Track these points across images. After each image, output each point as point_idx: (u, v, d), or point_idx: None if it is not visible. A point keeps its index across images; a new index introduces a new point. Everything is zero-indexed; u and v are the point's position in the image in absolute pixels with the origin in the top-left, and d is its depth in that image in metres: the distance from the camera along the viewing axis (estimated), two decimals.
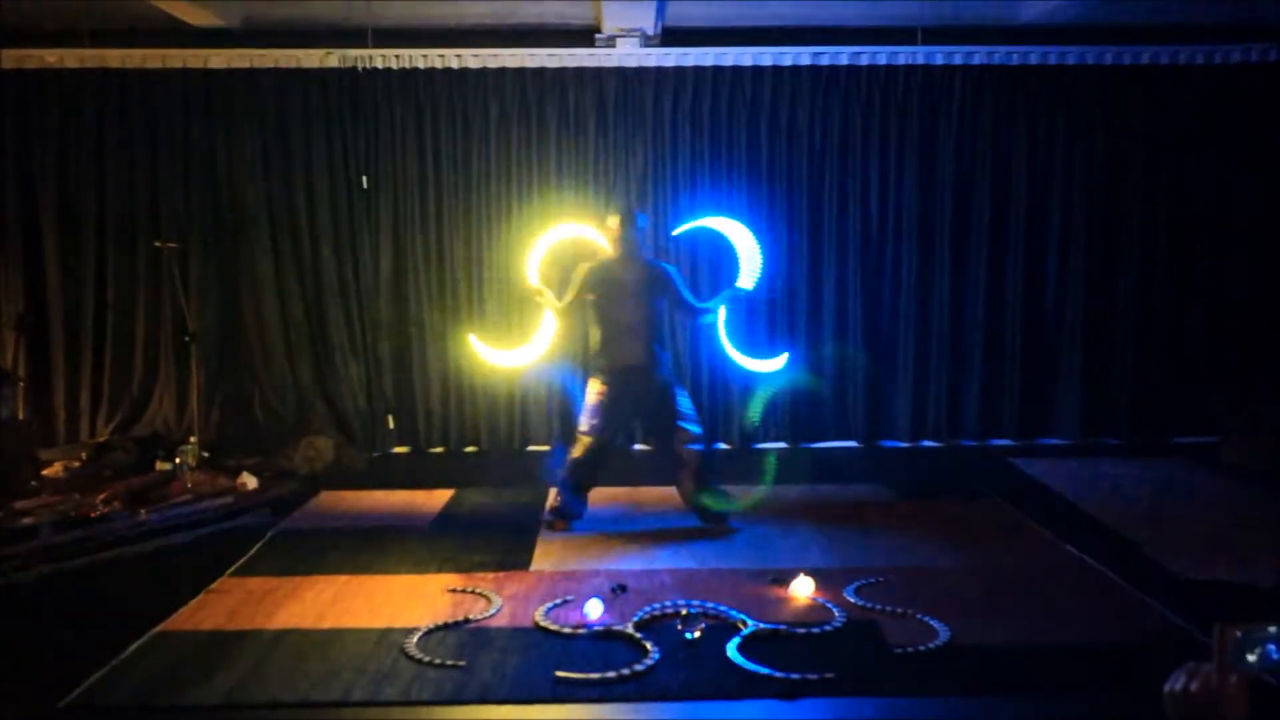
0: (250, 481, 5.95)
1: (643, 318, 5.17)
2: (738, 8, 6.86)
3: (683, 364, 7.11)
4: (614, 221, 5.22)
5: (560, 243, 5.78)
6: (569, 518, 5.28)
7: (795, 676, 3.43)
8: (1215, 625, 1.43)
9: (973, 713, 3.36)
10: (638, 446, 7.08)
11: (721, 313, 5.45)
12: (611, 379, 5.19)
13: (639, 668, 3.53)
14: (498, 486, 6.18)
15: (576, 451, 5.26)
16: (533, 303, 5.57)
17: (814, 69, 7.11)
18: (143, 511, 5.25)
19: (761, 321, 7.22)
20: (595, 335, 5.31)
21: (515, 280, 6.84)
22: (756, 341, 7.19)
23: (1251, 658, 1.40)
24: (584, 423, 5.27)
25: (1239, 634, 1.41)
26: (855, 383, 7.33)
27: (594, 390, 5.25)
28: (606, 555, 4.86)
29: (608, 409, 5.20)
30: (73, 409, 7.22)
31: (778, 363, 5.88)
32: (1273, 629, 1.40)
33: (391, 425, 7.32)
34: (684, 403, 5.30)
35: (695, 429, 5.28)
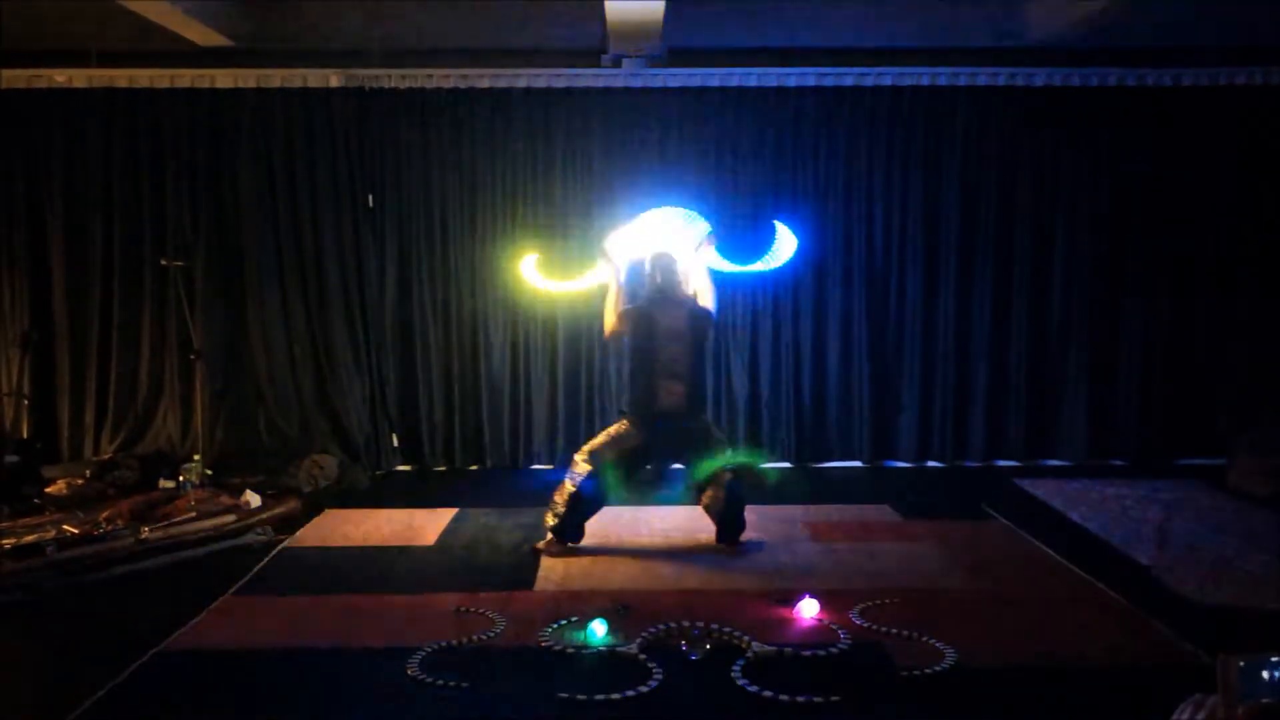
0: (254, 499, 5.95)
1: (686, 363, 5.09)
2: (744, 29, 6.89)
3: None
4: (657, 271, 5.24)
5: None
6: (565, 538, 5.17)
7: (800, 699, 3.41)
8: (1219, 656, 1.42)
9: None
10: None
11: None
12: (645, 425, 5.08)
13: (643, 689, 3.51)
14: (501, 505, 6.17)
15: (580, 471, 5.13)
16: (600, 257, 5.51)
17: (819, 90, 7.13)
18: (146, 529, 5.24)
19: (766, 339, 7.23)
20: (632, 376, 5.21)
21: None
22: (759, 353, 7.21)
23: (1259, 690, 1.39)
24: (590, 450, 5.14)
25: (1242, 664, 1.41)
26: (860, 403, 7.31)
27: (619, 427, 5.16)
28: (610, 575, 4.84)
29: (629, 452, 5.09)
30: (77, 426, 7.23)
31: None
32: (1275, 659, 1.40)
33: (396, 443, 7.32)
34: (720, 435, 5.29)
35: (732, 452, 5.27)
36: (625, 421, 5.18)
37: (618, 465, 5.11)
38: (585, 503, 5.13)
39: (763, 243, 6.15)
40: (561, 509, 5.11)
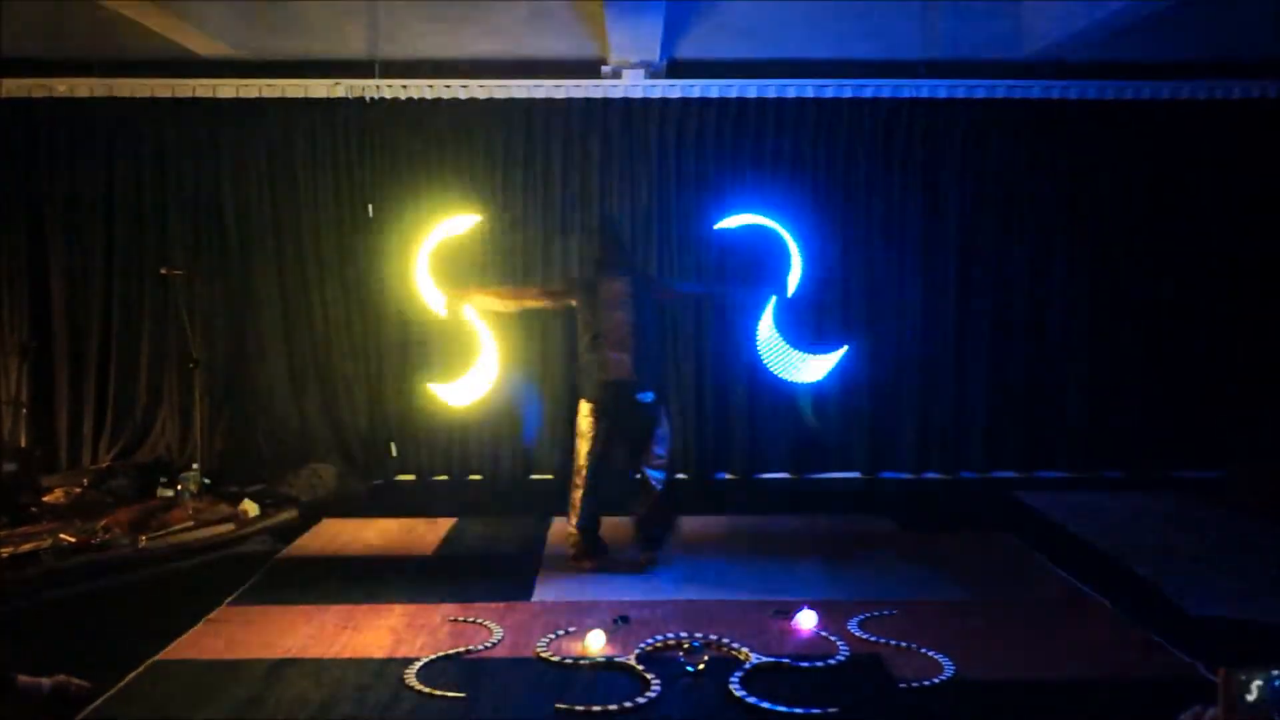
0: (252, 509, 5.94)
1: (630, 330, 5.04)
2: (743, 41, 6.91)
3: (684, 383, 7.14)
4: (595, 232, 5.20)
5: (445, 242, 5.68)
6: (595, 556, 5.15)
7: (798, 711, 3.41)
8: (1219, 670, 1.43)
9: None
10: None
11: (767, 316, 5.36)
12: (599, 396, 5.06)
13: (641, 700, 3.51)
14: (500, 516, 6.16)
15: (580, 486, 5.13)
16: (456, 322, 5.41)
17: (818, 101, 7.15)
18: (143, 538, 5.24)
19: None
20: (582, 349, 5.15)
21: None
22: (757, 370, 7.20)
23: (1251, 696, 1.39)
24: (581, 453, 5.14)
25: (1243, 677, 1.41)
26: (858, 414, 7.31)
27: (585, 413, 5.13)
28: (609, 586, 4.84)
29: (601, 433, 5.10)
30: (76, 435, 7.21)
31: (828, 362, 5.66)
32: (1276, 671, 1.40)
33: (394, 453, 7.31)
34: (663, 426, 5.23)
35: (664, 456, 5.23)
36: (585, 410, 5.14)
37: (605, 458, 5.12)
38: (593, 528, 5.17)
39: (818, 351, 6.01)
40: (577, 538, 5.13)
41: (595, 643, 3.95)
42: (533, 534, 5.72)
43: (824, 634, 4.14)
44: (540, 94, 7.09)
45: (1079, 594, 4.72)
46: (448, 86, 7.07)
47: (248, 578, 4.93)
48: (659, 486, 5.21)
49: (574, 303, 5.18)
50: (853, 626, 4.21)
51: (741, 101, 7.14)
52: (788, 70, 7.15)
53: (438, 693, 3.58)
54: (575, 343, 5.23)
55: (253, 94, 7.07)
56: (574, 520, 5.15)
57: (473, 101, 7.10)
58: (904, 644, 4.03)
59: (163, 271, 6.78)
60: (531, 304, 5.28)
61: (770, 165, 7.19)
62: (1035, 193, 7.25)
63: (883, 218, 7.25)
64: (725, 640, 4.03)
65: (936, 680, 3.70)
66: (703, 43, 6.98)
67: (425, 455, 7.29)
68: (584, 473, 5.14)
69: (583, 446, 5.16)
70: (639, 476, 5.23)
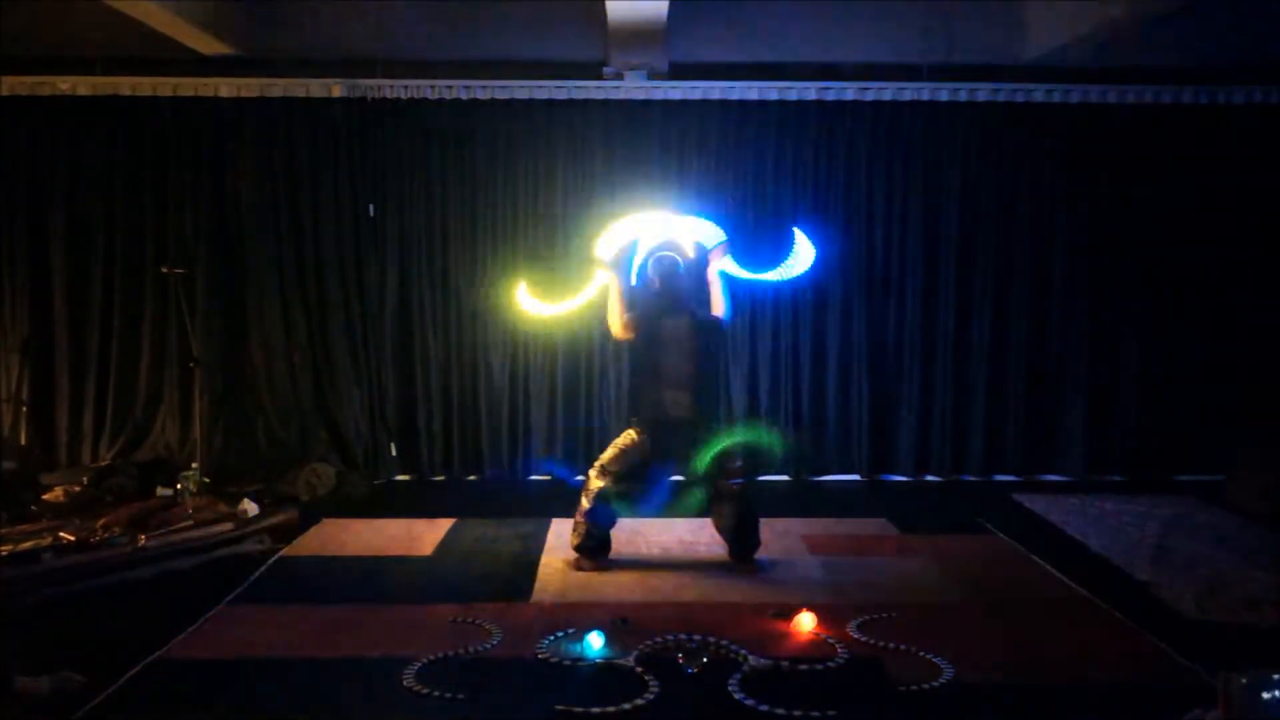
0: (251, 508, 5.93)
1: (691, 370, 4.97)
2: (746, 43, 6.92)
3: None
4: (656, 275, 5.14)
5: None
6: (596, 557, 5.11)
7: (797, 713, 3.41)
8: (1220, 674, 1.43)
9: None
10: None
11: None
12: (651, 431, 4.99)
13: (639, 702, 3.50)
14: (499, 516, 6.16)
15: (593, 487, 5.04)
16: (593, 269, 5.26)
17: (820, 104, 7.15)
18: (143, 537, 5.23)
19: (765, 351, 7.24)
20: (634, 381, 5.08)
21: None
22: (758, 365, 7.22)
23: (1260, 708, 1.40)
24: (603, 463, 5.05)
25: (1244, 682, 1.41)
26: (859, 416, 7.31)
27: (627, 437, 5.06)
28: (608, 587, 4.83)
29: (636, 459, 5.00)
30: (75, 433, 7.22)
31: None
32: (1277, 676, 1.40)
33: (394, 453, 7.31)
34: (727, 441, 5.13)
35: (738, 462, 5.13)
36: (632, 431, 5.09)
37: (628, 478, 5.04)
38: (601, 524, 5.09)
39: (781, 250, 5.92)
40: (584, 529, 5.07)
41: (594, 644, 3.94)
42: (532, 534, 5.72)
43: (823, 636, 4.14)
44: (542, 95, 7.09)
45: (1078, 598, 4.71)
46: (449, 86, 7.07)
47: (247, 577, 4.93)
48: (737, 492, 5.10)
49: (632, 336, 5.14)
50: (852, 629, 4.21)
51: (743, 104, 7.14)
52: (790, 73, 7.15)
53: (436, 694, 3.58)
54: (622, 375, 5.12)
55: (254, 93, 7.07)
56: (574, 542, 5.10)
57: (474, 101, 7.10)
58: (903, 647, 4.02)
59: (163, 270, 6.78)
60: (619, 325, 5.19)
61: (772, 166, 7.20)
62: (1036, 196, 7.26)
63: (884, 220, 7.26)
64: (724, 642, 4.02)
65: (936, 683, 3.70)
66: (705, 44, 6.98)
67: (425, 455, 7.29)
68: (594, 480, 5.06)
69: (612, 455, 5.06)
70: (716, 491, 5.08)
